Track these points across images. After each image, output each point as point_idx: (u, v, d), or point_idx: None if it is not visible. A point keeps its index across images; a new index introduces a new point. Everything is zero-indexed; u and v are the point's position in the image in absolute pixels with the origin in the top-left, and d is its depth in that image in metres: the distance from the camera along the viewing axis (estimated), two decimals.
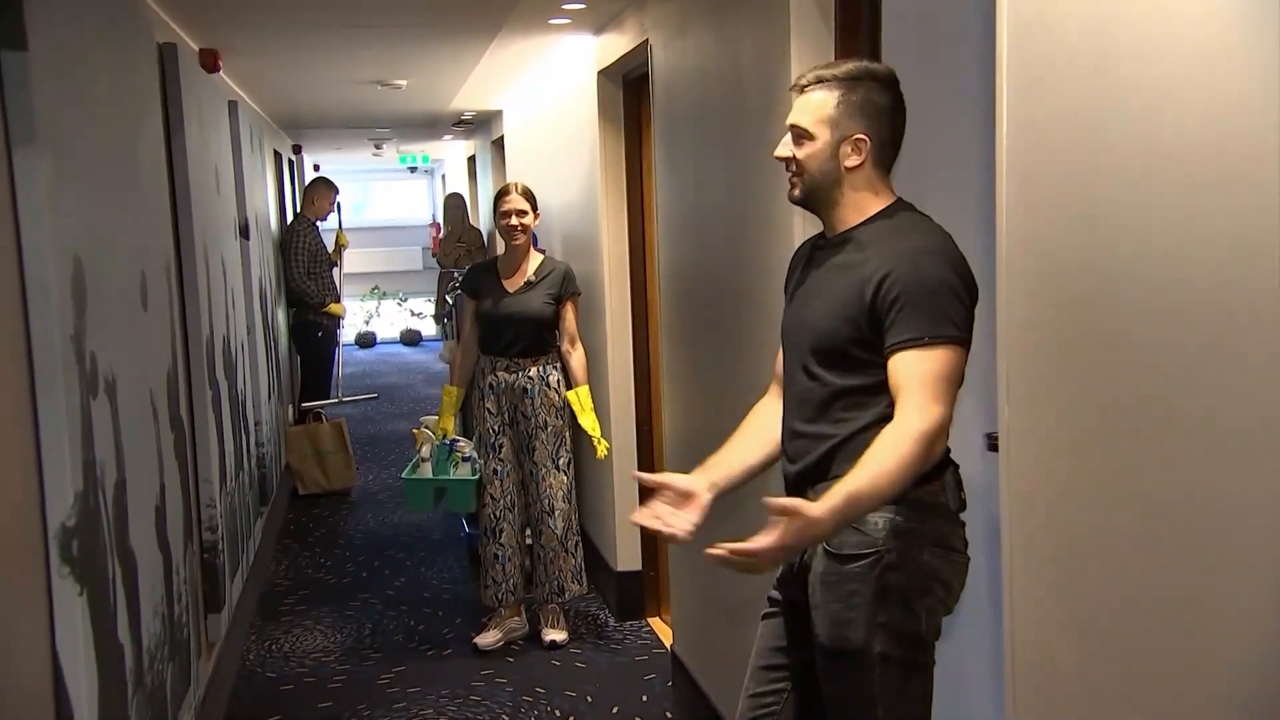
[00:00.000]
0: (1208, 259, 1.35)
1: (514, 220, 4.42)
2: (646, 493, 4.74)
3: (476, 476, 4.55)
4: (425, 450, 4.63)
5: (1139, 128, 1.43)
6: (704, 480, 2.32)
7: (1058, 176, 1.61)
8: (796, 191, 2.22)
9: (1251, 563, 1.33)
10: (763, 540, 1.91)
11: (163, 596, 3.05)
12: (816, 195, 2.20)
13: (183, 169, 3.80)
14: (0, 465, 1.93)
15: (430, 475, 4.63)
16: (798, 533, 1.91)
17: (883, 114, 2.14)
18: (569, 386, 4.52)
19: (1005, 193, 1.72)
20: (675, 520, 2.25)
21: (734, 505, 2.51)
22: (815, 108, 2.14)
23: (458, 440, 4.65)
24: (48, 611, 2.15)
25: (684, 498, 2.27)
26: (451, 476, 4.62)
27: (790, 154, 2.18)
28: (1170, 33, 1.39)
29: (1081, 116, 1.54)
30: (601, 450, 4.37)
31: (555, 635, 4.61)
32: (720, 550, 1.94)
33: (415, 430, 4.79)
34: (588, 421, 4.31)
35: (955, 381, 2.04)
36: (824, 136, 2.13)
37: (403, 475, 4.76)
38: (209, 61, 4.43)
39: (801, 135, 2.16)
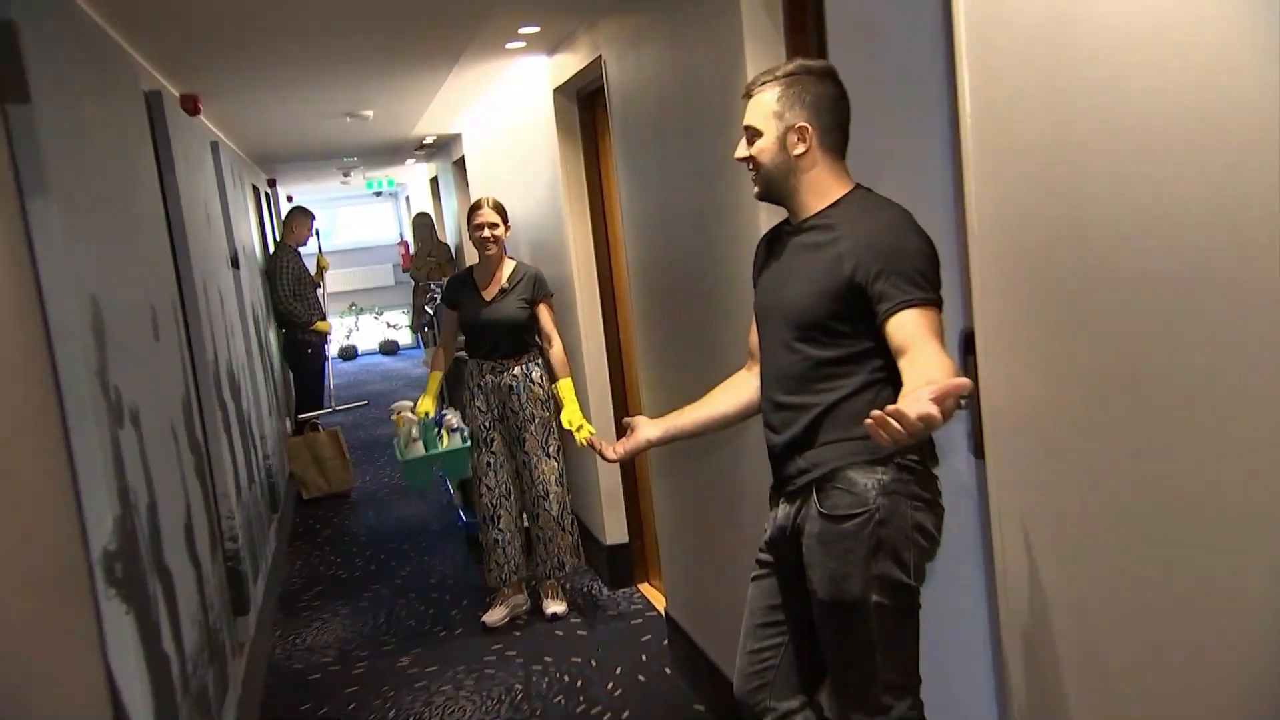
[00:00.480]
0: (1169, 222, 1.33)
1: (486, 233, 4.37)
2: (627, 472, 4.76)
3: (468, 444, 4.50)
4: (415, 431, 4.53)
5: (1100, 101, 1.39)
6: (657, 425, 2.60)
7: (1024, 152, 1.57)
8: (757, 188, 2.23)
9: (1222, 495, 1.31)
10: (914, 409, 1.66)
11: (198, 606, 2.97)
12: (775, 186, 2.20)
13: (176, 207, 3.70)
14: (40, 498, 1.85)
15: (424, 452, 4.55)
16: (929, 419, 1.63)
17: (821, 103, 2.13)
18: (552, 380, 4.47)
19: (973, 169, 1.69)
20: (611, 445, 2.65)
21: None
22: (761, 106, 2.15)
23: (444, 414, 4.59)
24: (98, 631, 2.08)
25: (631, 430, 2.61)
26: (444, 449, 4.55)
27: (747, 153, 2.19)
28: (1127, 9, 1.35)
29: (1043, 95, 1.50)
30: (581, 437, 4.30)
31: (556, 607, 4.58)
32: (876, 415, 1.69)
33: (395, 417, 4.69)
34: (569, 414, 4.24)
35: (941, 336, 2.01)
36: (771, 130, 2.14)
37: (400, 459, 4.66)
38: (190, 106, 4.32)
39: (753, 134, 2.17)
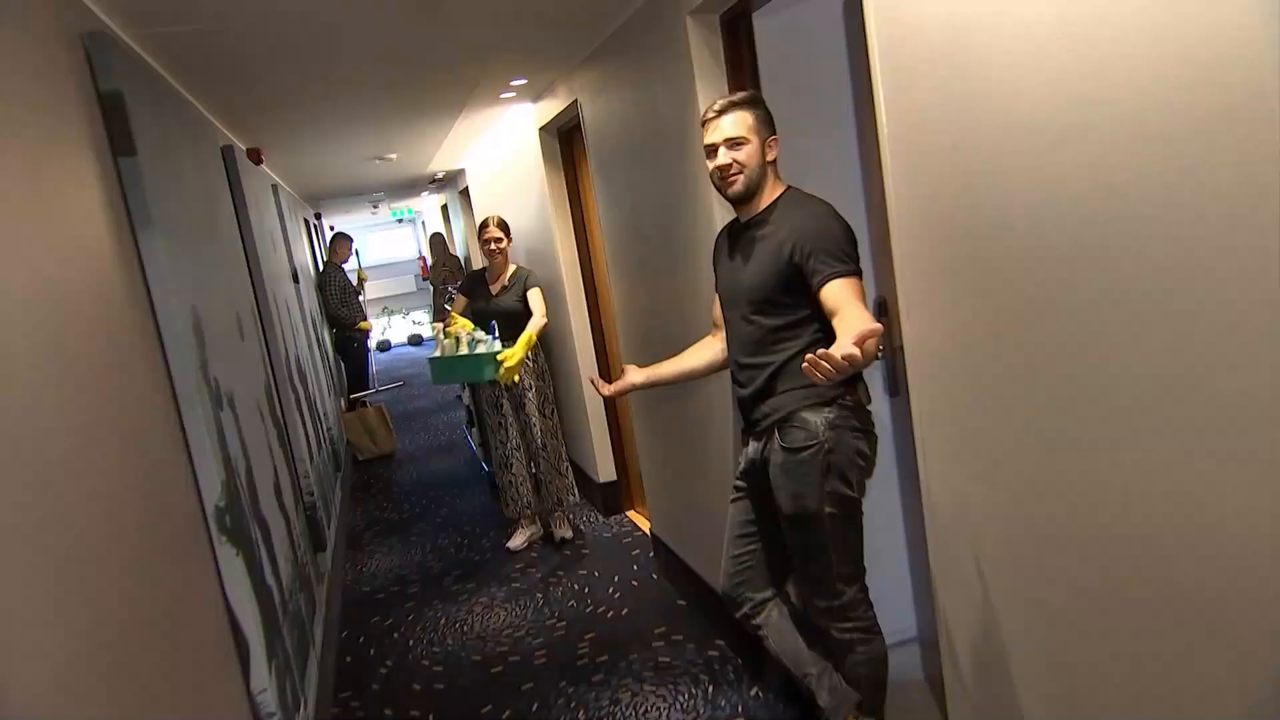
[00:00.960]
0: (1051, 202, 1.32)
1: (492, 245, 4.38)
2: (614, 423, 4.72)
3: (497, 343, 4.22)
4: (479, 334, 4.23)
5: (997, 99, 1.37)
6: (641, 373, 2.61)
7: (930, 148, 1.56)
8: (739, 186, 2.14)
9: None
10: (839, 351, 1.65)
11: (289, 546, 2.92)
12: (753, 185, 2.14)
13: (250, 236, 3.61)
14: (166, 468, 1.80)
15: (467, 352, 4.20)
16: (850, 359, 1.63)
17: (772, 122, 2.15)
18: (544, 358, 4.50)
19: (890, 165, 1.67)
20: (605, 384, 2.63)
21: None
22: (742, 121, 2.11)
23: (493, 324, 4.37)
24: (215, 571, 2.04)
25: (623, 374, 2.64)
26: (490, 350, 4.16)
27: (731, 159, 2.12)
28: (1014, 26, 1.33)
29: (945, 100, 1.48)
30: (504, 373, 4.06)
31: (563, 533, 4.57)
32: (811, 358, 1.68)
33: (448, 329, 4.29)
34: (511, 351, 4.06)
35: (863, 300, 2.01)
36: (754, 140, 2.11)
37: (475, 353, 4.14)
38: (255, 157, 4.22)
39: (739, 142, 2.11)
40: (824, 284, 1.98)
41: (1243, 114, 1.00)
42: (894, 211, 1.68)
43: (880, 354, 2.47)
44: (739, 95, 2.15)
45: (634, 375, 2.61)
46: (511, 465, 4.51)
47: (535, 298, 4.38)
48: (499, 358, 4.04)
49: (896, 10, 1.57)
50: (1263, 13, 0.96)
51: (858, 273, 2.01)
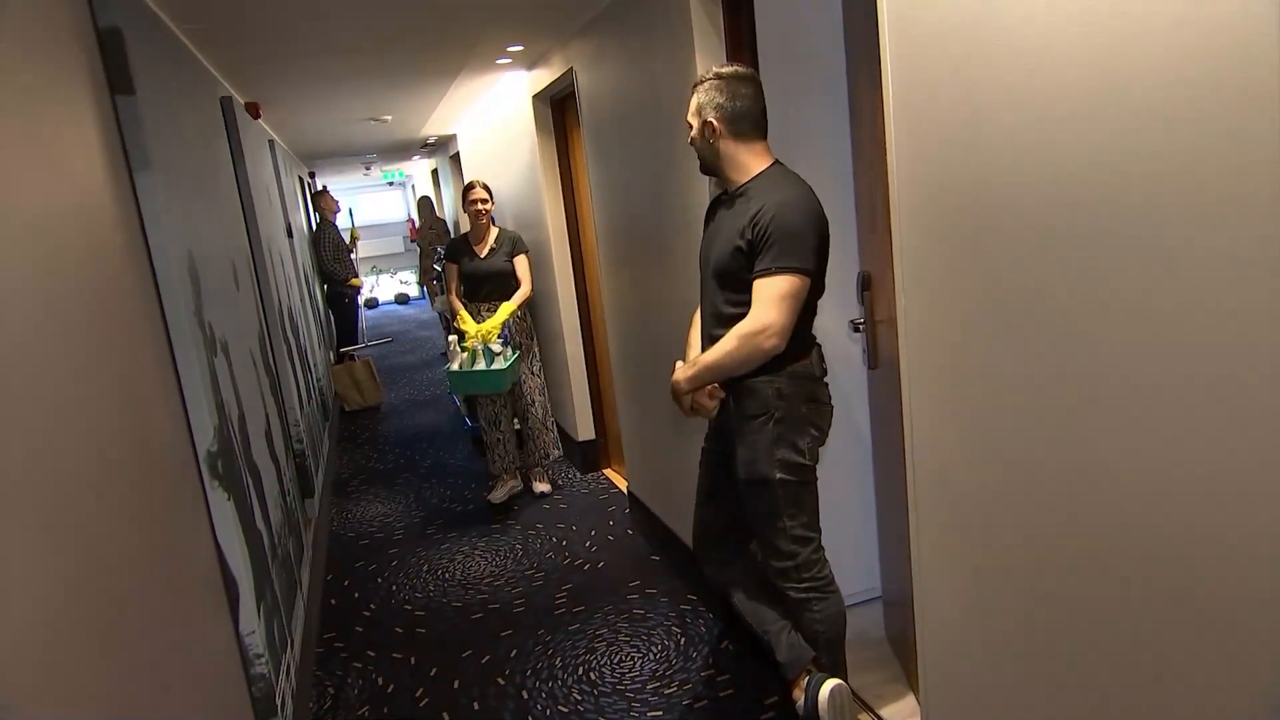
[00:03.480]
0: (1049, 182, 1.25)
1: (479, 206, 4.26)
2: (594, 385, 4.66)
3: (517, 353, 4.20)
4: (495, 346, 4.08)
5: (1011, 77, 1.30)
6: (684, 370, 2.29)
7: (939, 125, 1.48)
8: (699, 163, 2.16)
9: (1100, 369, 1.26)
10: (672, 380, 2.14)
11: (279, 492, 2.84)
12: (706, 164, 2.14)
13: (246, 189, 3.48)
14: (157, 413, 1.71)
15: (503, 364, 4.08)
16: (674, 385, 2.14)
17: (724, 103, 2.03)
18: (532, 320, 4.43)
19: (893, 144, 1.59)
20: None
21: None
22: (690, 106, 2.10)
23: (506, 332, 4.28)
24: (207, 514, 1.96)
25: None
26: (508, 363, 4.07)
27: (690, 139, 2.13)
28: (1028, 8, 1.26)
29: (956, 78, 1.41)
30: (472, 340, 4.05)
31: (542, 487, 4.51)
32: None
33: (466, 342, 4.13)
34: (487, 324, 4.02)
35: (790, 298, 1.95)
36: (695, 124, 2.09)
37: (491, 369, 4.02)
38: (253, 111, 4.06)
39: (688, 126, 2.12)
40: (756, 276, 1.96)
41: (1258, 104, 0.95)
42: (896, 184, 1.61)
43: (859, 329, 2.42)
44: (698, 78, 2.08)
45: (684, 383, 2.16)
46: (500, 423, 4.43)
47: (523, 266, 4.28)
48: (480, 330, 4.00)
49: None
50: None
51: (797, 270, 1.93)
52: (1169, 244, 1.09)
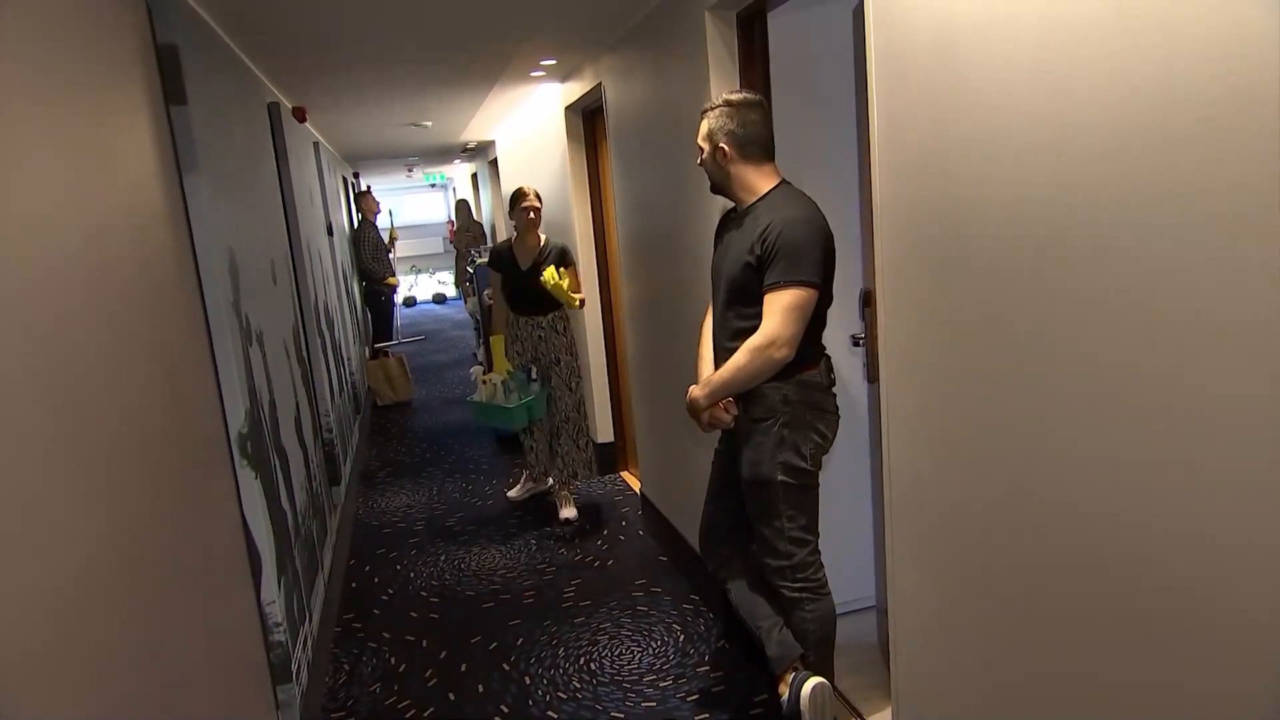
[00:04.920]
0: (1022, 204, 1.35)
1: (531, 215, 4.10)
2: (614, 389, 4.77)
3: (548, 388, 4.24)
4: (512, 383, 4.16)
5: (976, 111, 1.40)
6: (699, 388, 2.31)
7: (916, 151, 1.58)
8: (709, 184, 2.28)
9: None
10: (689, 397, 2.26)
11: (305, 476, 3.00)
12: (716, 184, 2.25)
13: (289, 189, 3.66)
14: (194, 393, 1.86)
15: (517, 401, 4.15)
16: (692, 403, 2.25)
17: (734, 130, 2.14)
18: (573, 332, 4.31)
19: (878, 166, 1.70)
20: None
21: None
22: (700, 130, 2.21)
23: (530, 365, 4.26)
24: (234, 490, 2.11)
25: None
26: (534, 397, 4.17)
27: (699, 161, 2.25)
28: (996, 37, 1.36)
29: (932, 107, 1.51)
30: (574, 302, 4.01)
31: (567, 513, 4.32)
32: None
33: (484, 377, 4.25)
34: (557, 284, 3.94)
35: (798, 309, 2.05)
36: (706, 148, 2.20)
37: (505, 406, 4.13)
38: (299, 115, 4.26)
39: (698, 149, 2.23)
40: (766, 290, 2.06)
41: (1209, 137, 1.03)
42: (879, 207, 1.71)
43: (859, 343, 2.52)
44: (709, 104, 2.19)
45: (702, 399, 2.26)
46: (533, 431, 4.40)
47: (575, 278, 4.13)
48: (567, 297, 3.90)
49: (894, 18, 1.59)
50: (1239, 42, 0.99)
51: (806, 284, 2.03)
52: (1124, 269, 1.17)
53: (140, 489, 1.39)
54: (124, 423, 1.37)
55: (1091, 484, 1.27)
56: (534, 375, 4.24)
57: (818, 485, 2.22)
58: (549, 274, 3.89)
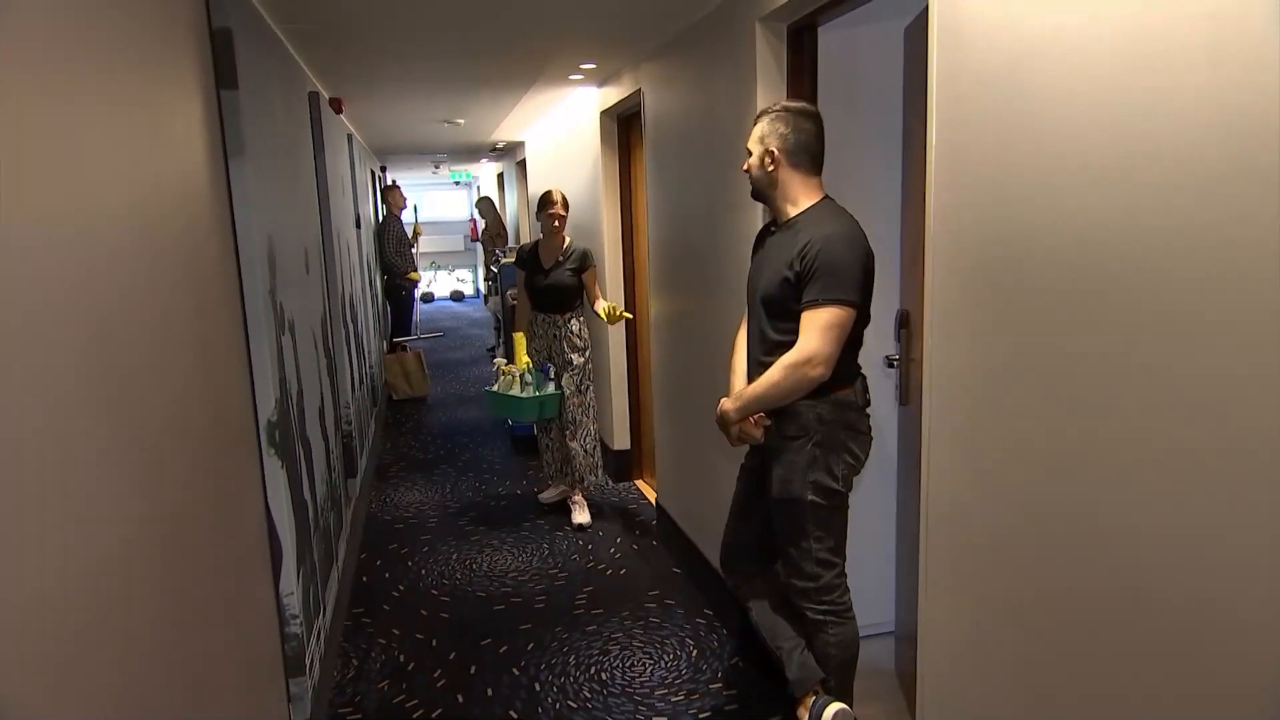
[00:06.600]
0: (1085, 230, 1.32)
1: (556, 221, 4.18)
2: (633, 396, 4.75)
3: (562, 390, 4.23)
4: (527, 377, 4.19)
5: (1046, 137, 1.37)
6: (730, 401, 2.28)
7: (976, 174, 1.56)
8: (751, 189, 2.26)
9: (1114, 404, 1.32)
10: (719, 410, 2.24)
11: (326, 468, 2.99)
12: (760, 191, 2.23)
13: (324, 179, 3.67)
14: (229, 380, 1.86)
15: (532, 394, 4.18)
16: (723, 416, 2.22)
17: (787, 134, 2.13)
18: (588, 334, 4.32)
19: (933, 186, 1.67)
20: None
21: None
22: (752, 133, 2.19)
23: (549, 365, 4.27)
24: (260, 479, 2.10)
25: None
26: (549, 392, 4.20)
27: (745, 166, 2.22)
28: (1063, 61, 1.33)
29: (997, 131, 1.48)
30: (619, 313, 4.00)
31: (580, 518, 4.29)
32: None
33: (504, 367, 4.30)
34: (603, 307, 3.99)
35: (836, 328, 2.03)
36: (755, 151, 2.18)
37: (518, 396, 4.17)
38: (336, 106, 4.27)
39: (747, 152, 2.21)
40: (804, 308, 2.04)
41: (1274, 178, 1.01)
42: (932, 227, 1.69)
43: (894, 364, 2.49)
44: (766, 107, 2.18)
45: (733, 413, 2.23)
46: (549, 430, 4.41)
47: (591, 280, 4.18)
48: (610, 314, 3.95)
49: (959, 39, 1.57)
50: None
51: (840, 303, 2.01)
52: (1192, 306, 1.14)
53: (175, 476, 1.38)
54: (165, 409, 1.35)
55: (1157, 517, 1.23)
56: (552, 375, 4.25)
57: (847, 507, 2.19)
58: (602, 310, 3.99)
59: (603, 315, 4.00)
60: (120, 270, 1.21)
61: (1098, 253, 1.29)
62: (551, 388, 4.23)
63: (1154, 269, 1.19)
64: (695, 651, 3.01)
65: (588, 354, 4.31)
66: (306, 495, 2.52)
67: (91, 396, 1.06)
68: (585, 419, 4.33)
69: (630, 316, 4.22)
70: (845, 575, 2.22)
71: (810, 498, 2.12)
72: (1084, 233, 1.31)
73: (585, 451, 4.35)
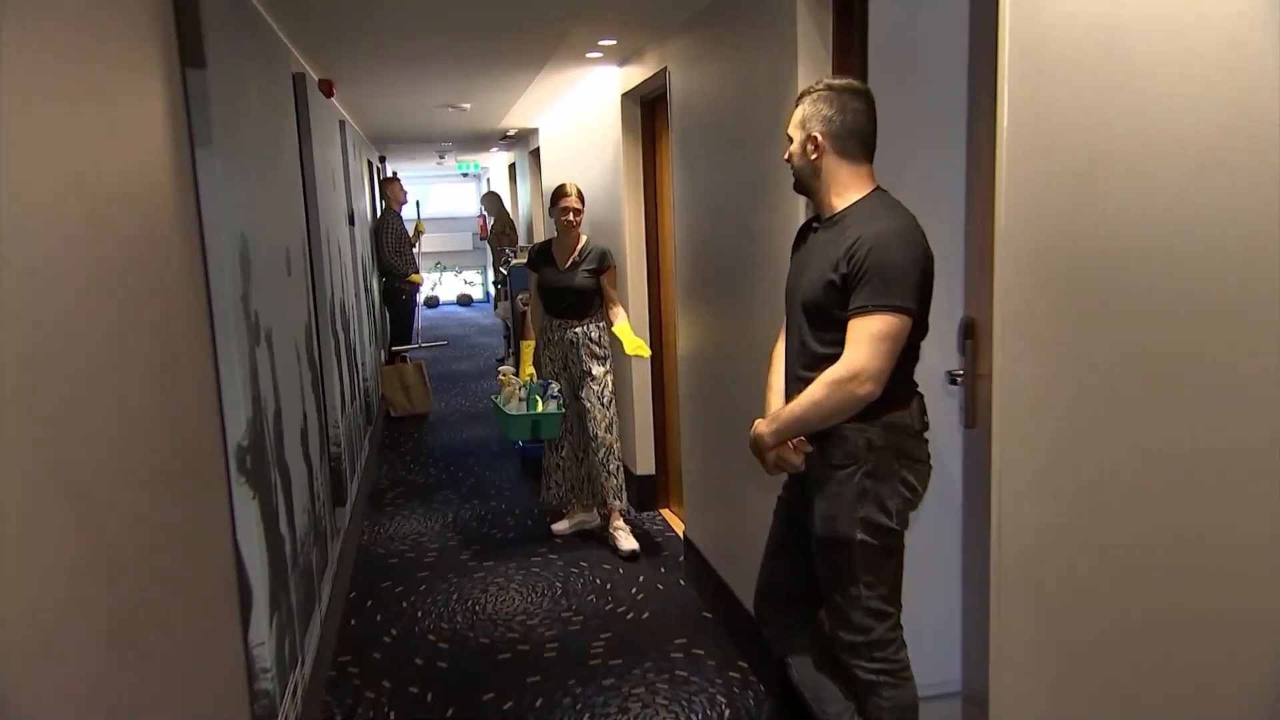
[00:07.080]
0: (1184, 231, 1.24)
1: (571, 216, 4.20)
2: (659, 416, 4.70)
3: (563, 411, 4.24)
4: (521, 391, 4.24)
5: (1148, 117, 1.29)
6: (766, 423, 2.20)
7: (1059, 163, 1.47)
8: (793, 180, 2.20)
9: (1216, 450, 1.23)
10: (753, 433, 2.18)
11: (308, 497, 2.95)
12: (802, 182, 2.17)
13: (310, 170, 3.65)
14: (193, 400, 1.81)
15: (527, 411, 4.21)
16: (757, 440, 2.15)
17: (832, 116, 2.06)
18: (610, 337, 4.30)
19: (1004, 177, 1.59)
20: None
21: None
22: (793, 117, 2.13)
23: (551, 382, 4.28)
24: (229, 511, 2.05)
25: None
26: (545, 411, 4.19)
27: (785, 154, 2.17)
28: (1168, 38, 1.25)
29: (1085, 113, 1.40)
30: (643, 352, 4.05)
31: (630, 545, 4.23)
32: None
33: (502, 377, 4.41)
34: (630, 345, 4.02)
35: (889, 339, 1.95)
36: (797, 137, 2.12)
37: (508, 413, 4.22)
38: (326, 89, 4.26)
39: (788, 139, 2.15)
40: (852, 315, 1.97)
41: None
42: (1003, 222, 1.61)
43: (957, 382, 2.40)
44: (808, 87, 2.12)
45: (769, 437, 2.15)
46: (561, 448, 4.40)
47: (611, 283, 4.20)
48: (632, 352, 4.01)
49: (1037, 6, 1.50)
50: None
51: (895, 310, 1.94)
52: None
53: (123, 511, 1.33)
54: (112, 434, 1.31)
55: (1255, 584, 1.14)
56: (555, 393, 4.21)
57: (903, 548, 2.11)
58: (630, 348, 4.01)
59: (627, 349, 4.01)
60: (61, 276, 1.17)
61: (1211, 257, 1.20)
62: (553, 406, 4.20)
63: (1266, 275, 1.10)
64: (728, 711, 2.93)
65: (609, 363, 4.28)
66: (284, 529, 2.48)
67: (19, 418, 1.01)
68: (609, 436, 4.28)
69: (649, 355, 4.16)
70: (901, 628, 2.14)
71: (859, 537, 2.04)
72: (1182, 227, 1.23)
73: (609, 472, 4.29)
